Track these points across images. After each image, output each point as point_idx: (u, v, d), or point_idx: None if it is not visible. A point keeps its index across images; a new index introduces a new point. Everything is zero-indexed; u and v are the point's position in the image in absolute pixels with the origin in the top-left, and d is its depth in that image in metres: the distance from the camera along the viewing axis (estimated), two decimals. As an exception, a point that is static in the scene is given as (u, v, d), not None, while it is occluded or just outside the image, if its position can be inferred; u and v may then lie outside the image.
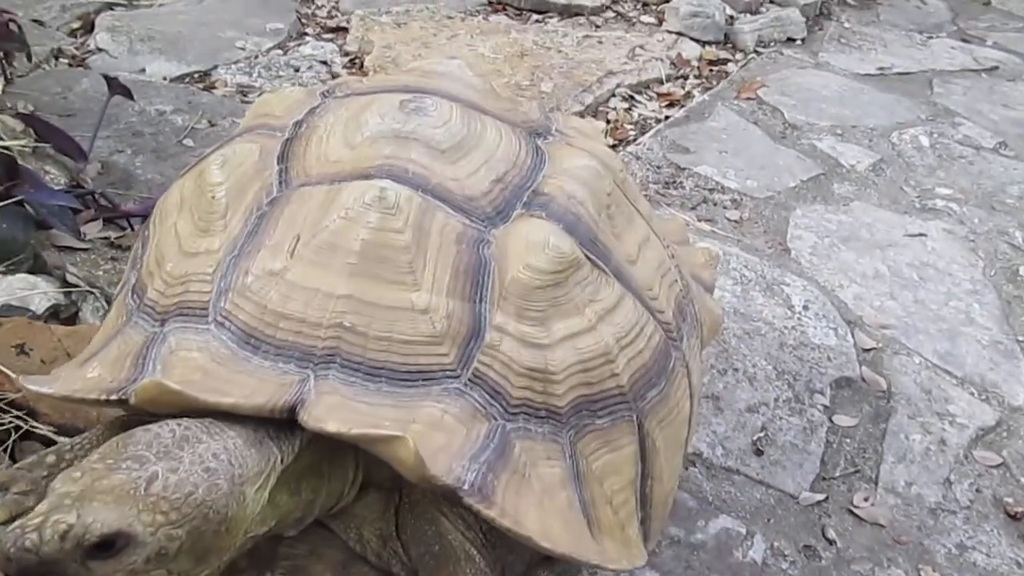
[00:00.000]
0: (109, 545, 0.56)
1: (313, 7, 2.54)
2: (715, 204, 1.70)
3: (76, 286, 1.05)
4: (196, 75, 2.02)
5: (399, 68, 2.10)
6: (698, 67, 2.40)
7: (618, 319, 0.74)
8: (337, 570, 0.75)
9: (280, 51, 2.20)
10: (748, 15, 2.75)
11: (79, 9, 2.27)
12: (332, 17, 2.49)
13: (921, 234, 1.71)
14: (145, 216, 1.29)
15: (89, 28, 2.17)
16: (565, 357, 0.70)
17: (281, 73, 2.05)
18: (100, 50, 2.05)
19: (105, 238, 1.22)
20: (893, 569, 1.03)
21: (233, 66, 2.07)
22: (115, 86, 1.46)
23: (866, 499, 1.11)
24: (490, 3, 2.67)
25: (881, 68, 2.59)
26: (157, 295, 0.73)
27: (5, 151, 1.09)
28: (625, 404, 0.74)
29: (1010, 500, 1.15)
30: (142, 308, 0.74)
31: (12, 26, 1.58)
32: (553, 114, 0.95)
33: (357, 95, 0.85)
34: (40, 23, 2.17)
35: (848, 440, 1.21)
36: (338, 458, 0.70)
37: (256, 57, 2.13)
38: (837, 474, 1.15)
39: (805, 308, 1.42)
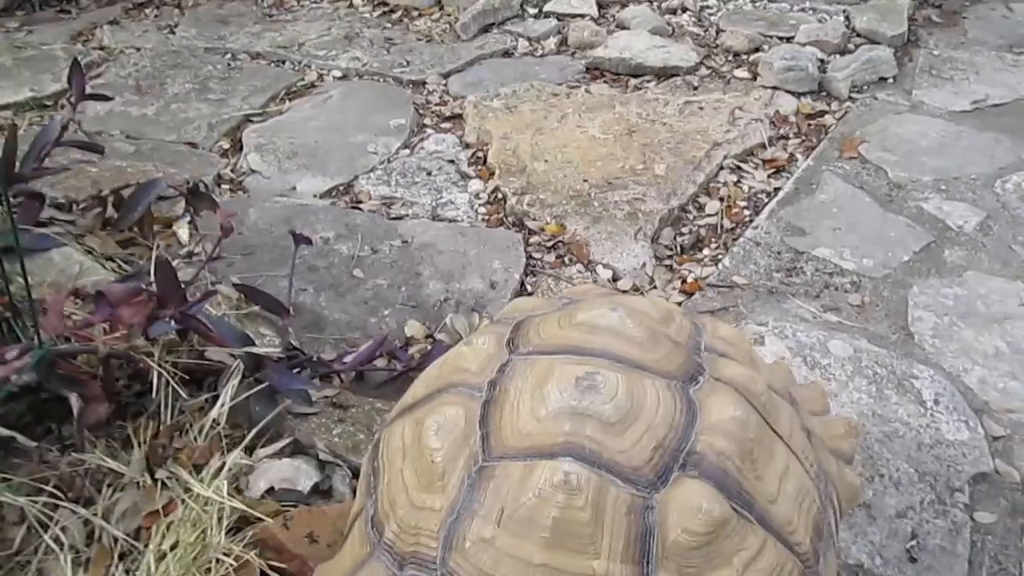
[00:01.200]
0: None
1: (425, 93, 2.74)
2: (836, 289, 1.84)
3: (327, 461, 1.27)
4: (341, 188, 2.23)
5: (522, 159, 2.27)
6: (796, 123, 2.52)
7: (761, 564, 0.88)
8: None
9: (407, 150, 2.41)
10: (839, 56, 2.84)
11: (224, 126, 2.51)
12: (444, 103, 2.68)
13: (1036, 302, 1.81)
14: (352, 370, 1.51)
15: (238, 147, 2.41)
16: (716, 607, 0.86)
17: (416, 179, 2.25)
18: (253, 171, 2.29)
19: (326, 398, 1.43)
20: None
21: (372, 175, 2.28)
22: (299, 239, 1.67)
23: (1013, 597, 1.26)
24: (588, 70, 2.83)
25: (975, 102, 2.66)
26: (394, 537, 0.92)
27: (253, 350, 1.30)
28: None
29: None
30: (382, 545, 0.94)
31: (201, 187, 1.82)
32: (703, 324, 1.09)
33: (537, 354, 1.00)
34: (194, 145, 2.42)
35: (990, 537, 1.35)
36: None
37: (389, 161, 2.34)
38: (983, 575, 1.29)
39: (936, 403, 1.55)
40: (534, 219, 2.07)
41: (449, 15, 3.23)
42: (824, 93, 2.68)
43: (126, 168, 2.11)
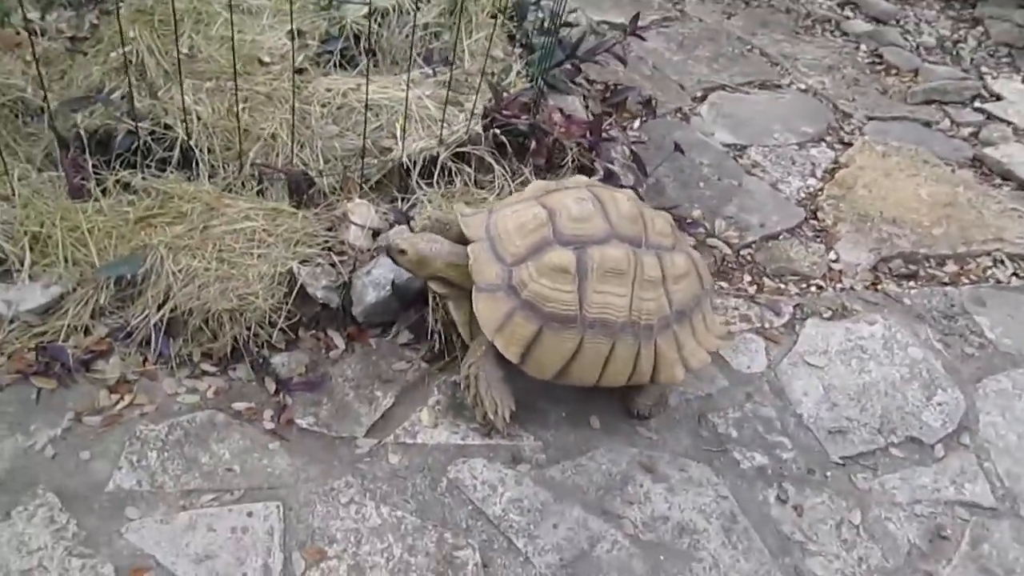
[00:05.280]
0: (403, 252, 2.14)
1: (843, 121, 3.81)
2: (963, 338, 2.67)
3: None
4: (738, 147, 3.50)
5: (857, 183, 3.30)
6: (1090, 260, 3.11)
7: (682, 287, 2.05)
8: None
9: (796, 147, 3.56)
10: None
11: (699, 88, 3.89)
12: (851, 133, 3.73)
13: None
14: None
15: (703, 99, 3.79)
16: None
17: (782, 162, 3.43)
18: (698, 115, 3.65)
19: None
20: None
21: (761, 148, 3.50)
22: (677, 147, 3.02)
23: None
24: (974, 159, 3.62)
25: None
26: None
27: (611, 168, 2.73)
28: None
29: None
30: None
31: (652, 103, 3.25)
32: (681, 237, 2.22)
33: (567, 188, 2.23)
34: (681, 86, 3.85)
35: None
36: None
37: (779, 147, 3.53)
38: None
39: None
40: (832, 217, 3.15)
41: None
42: None
43: (630, 76, 3.63)
